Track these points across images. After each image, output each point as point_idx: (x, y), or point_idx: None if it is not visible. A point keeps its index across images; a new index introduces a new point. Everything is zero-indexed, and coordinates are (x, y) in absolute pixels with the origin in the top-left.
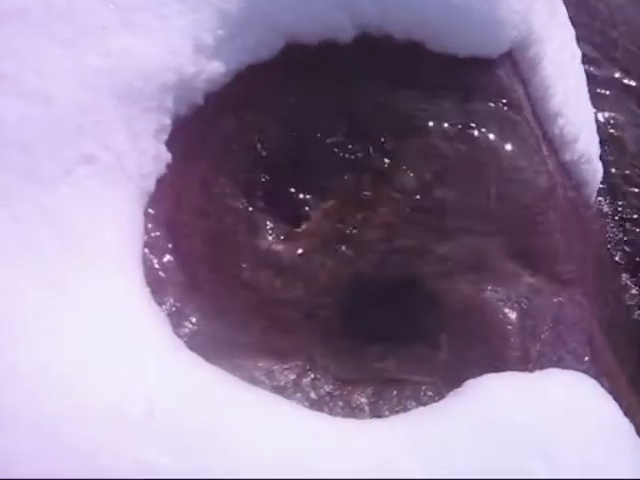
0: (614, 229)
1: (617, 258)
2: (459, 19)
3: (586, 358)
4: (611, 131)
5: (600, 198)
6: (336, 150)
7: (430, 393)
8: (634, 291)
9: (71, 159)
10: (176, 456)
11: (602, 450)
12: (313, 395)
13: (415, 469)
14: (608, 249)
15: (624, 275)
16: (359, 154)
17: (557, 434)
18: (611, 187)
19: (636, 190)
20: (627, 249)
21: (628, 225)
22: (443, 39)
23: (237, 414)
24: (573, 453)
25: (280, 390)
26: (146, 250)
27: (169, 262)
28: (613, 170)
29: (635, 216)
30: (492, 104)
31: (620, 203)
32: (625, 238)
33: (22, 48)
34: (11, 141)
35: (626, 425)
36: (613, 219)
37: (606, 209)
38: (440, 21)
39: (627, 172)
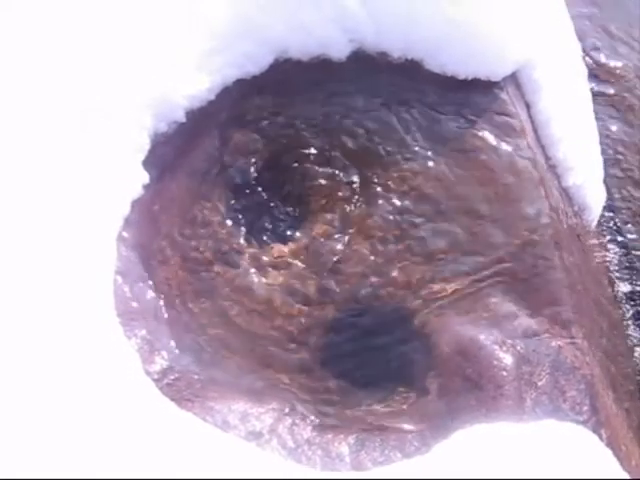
0: (615, 255)
1: (617, 285)
2: (461, 38)
3: (585, 408)
4: (617, 152)
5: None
6: (324, 175)
7: (416, 443)
8: (632, 319)
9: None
10: None
11: None
12: (291, 443)
13: None
14: (609, 275)
15: (623, 303)
16: (349, 179)
17: None
18: (614, 211)
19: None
20: (628, 276)
21: (630, 251)
22: (443, 59)
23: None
24: None
25: (255, 436)
26: (118, 277)
27: (142, 291)
28: (616, 194)
29: (637, 239)
30: (493, 129)
31: (622, 227)
32: (627, 264)
33: None
34: None
35: None
36: (615, 244)
37: (608, 233)
38: (440, 39)
39: (631, 195)
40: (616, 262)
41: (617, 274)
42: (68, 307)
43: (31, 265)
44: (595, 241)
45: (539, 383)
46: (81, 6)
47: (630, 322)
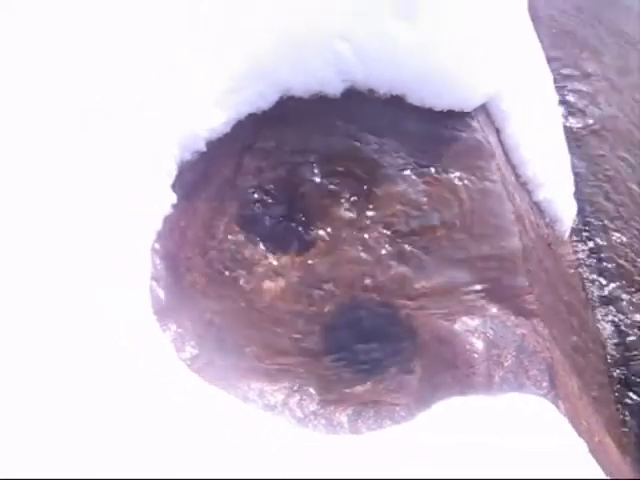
0: (588, 261)
1: (589, 287)
2: (437, 77)
3: (545, 384)
4: (590, 168)
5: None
6: (324, 192)
7: (403, 413)
8: (602, 316)
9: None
10: None
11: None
12: (299, 414)
13: None
14: (581, 280)
15: (595, 304)
16: (346, 195)
17: (514, 456)
18: (586, 222)
19: (608, 224)
20: (600, 279)
21: (603, 257)
22: (422, 94)
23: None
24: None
25: (270, 408)
26: (153, 283)
27: (172, 293)
28: (588, 207)
29: (607, 246)
30: (466, 153)
31: (594, 238)
32: (599, 269)
33: None
34: None
35: (579, 445)
36: (588, 251)
37: (581, 244)
38: (419, 78)
39: (601, 207)
40: (588, 268)
41: (589, 279)
42: (115, 308)
43: (82, 273)
44: (568, 249)
45: (505, 364)
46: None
47: (603, 323)
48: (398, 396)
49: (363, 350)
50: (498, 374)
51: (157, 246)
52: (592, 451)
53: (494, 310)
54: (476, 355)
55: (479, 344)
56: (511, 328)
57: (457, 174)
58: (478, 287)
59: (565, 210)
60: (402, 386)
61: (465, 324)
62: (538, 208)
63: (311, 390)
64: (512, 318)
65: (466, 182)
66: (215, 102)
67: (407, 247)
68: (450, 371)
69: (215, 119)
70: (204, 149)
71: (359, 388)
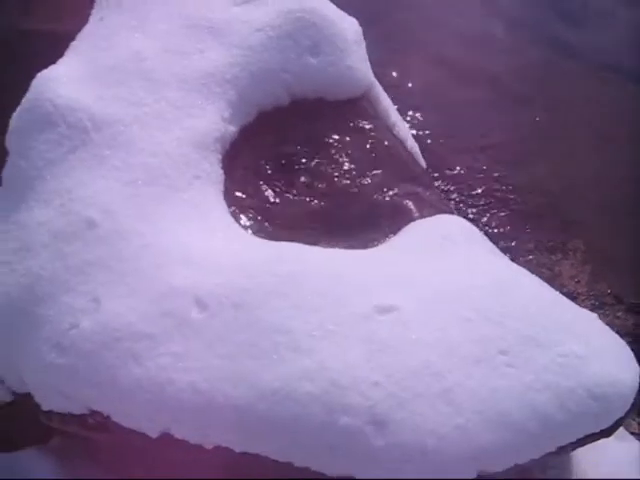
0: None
1: None
2: (336, 80)
3: (454, 212)
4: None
5: None
6: (295, 157)
7: (386, 239)
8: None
9: (189, 178)
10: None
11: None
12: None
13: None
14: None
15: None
16: (307, 157)
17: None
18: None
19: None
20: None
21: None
22: (331, 93)
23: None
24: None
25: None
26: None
27: (236, 209)
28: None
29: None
30: (365, 120)
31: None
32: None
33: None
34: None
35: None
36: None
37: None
38: (327, 83)
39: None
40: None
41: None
42: (210, 211)
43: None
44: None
45: (430, 207)
46: None
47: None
48: (380, 234)
49: (352, 218)
50: (428, 212)
51: (224, 197)
52: None
53: (410, 186)
54: (413, 208)
55: (411, 204)
56: (423, 192)
57: (364, 132)
58: (401, 180)
59: (421, 159)
60: (381, 233)
61: (400, 196)
62: (410, 154)
63: (333, 243)
64: (420, 188)
65: (371, 137)
66: (229, 120)
67: (352, 172)
68: (402, 218)
69: (232, 129)
70: (228, 147)
71: (360, 236)
